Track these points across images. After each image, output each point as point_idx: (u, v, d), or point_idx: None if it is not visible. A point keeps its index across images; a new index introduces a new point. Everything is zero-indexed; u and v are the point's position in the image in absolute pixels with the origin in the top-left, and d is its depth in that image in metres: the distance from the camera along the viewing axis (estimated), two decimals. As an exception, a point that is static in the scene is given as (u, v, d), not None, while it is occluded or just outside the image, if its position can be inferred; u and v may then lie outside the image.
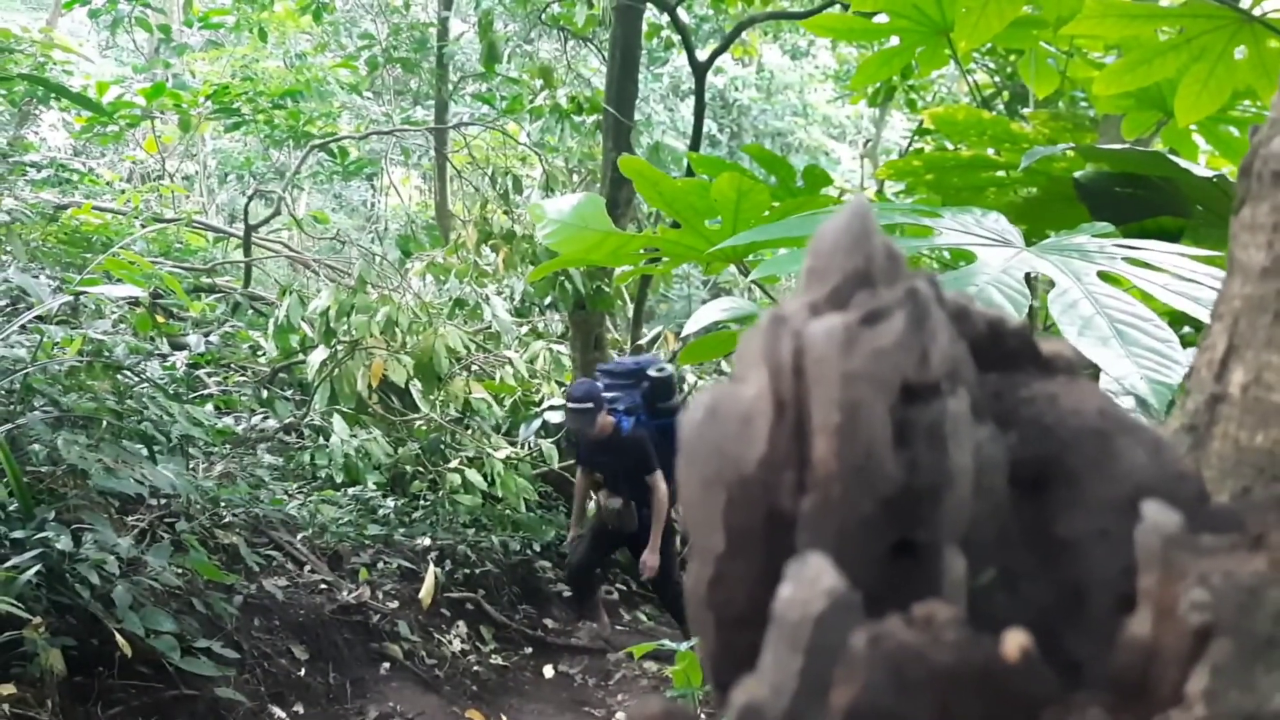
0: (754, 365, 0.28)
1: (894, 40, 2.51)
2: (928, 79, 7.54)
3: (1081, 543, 0.27)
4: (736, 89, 15.62)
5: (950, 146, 2.43)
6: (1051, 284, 1.21)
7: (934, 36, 2.37)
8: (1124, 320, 1.13)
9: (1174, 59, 1.90)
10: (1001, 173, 2.10)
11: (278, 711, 3.94)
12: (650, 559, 5.37)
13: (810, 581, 0.24)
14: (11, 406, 3.85)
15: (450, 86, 10.53)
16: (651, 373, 5.55)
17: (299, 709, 4.06)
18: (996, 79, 5.71)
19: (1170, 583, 0.24)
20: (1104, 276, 1.22)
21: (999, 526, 0.27)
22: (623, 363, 5.92)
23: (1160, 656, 0.24)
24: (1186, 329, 1.44)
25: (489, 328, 6.95)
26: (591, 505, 5.86)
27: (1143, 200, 1.79)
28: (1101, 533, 0.27)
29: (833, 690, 0.23)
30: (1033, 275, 1.35)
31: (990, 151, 2.14)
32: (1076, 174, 1.88)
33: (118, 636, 3.29)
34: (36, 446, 3.70)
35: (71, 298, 4.50)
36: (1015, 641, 0.24)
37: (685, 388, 6.62)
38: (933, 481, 0.26)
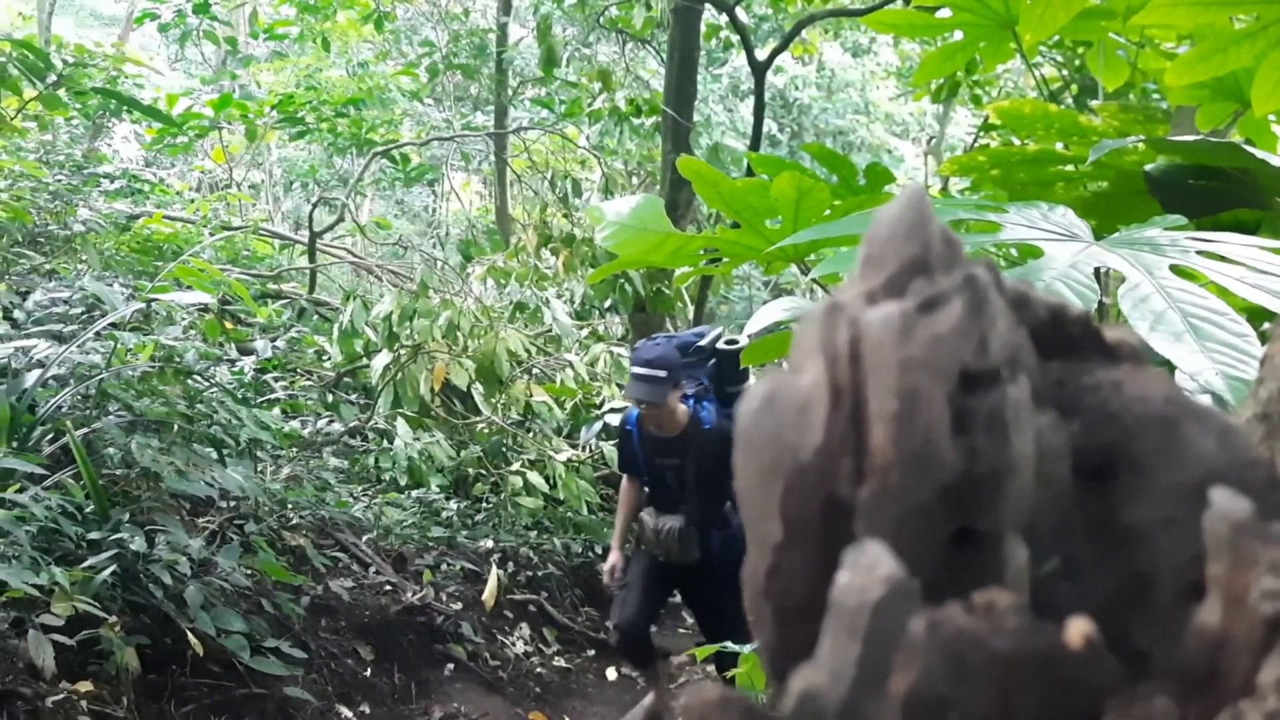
0: (810, 354, 0.28)
1: (957, 35, 2.47)
2: (993, 74, 7.42)
3: (1148, 530, 0.26)
4: (797, 88, 15.52)
5: (1016, 142, 2.39)
6: (1123, 279, 1.18)
7: (998, 30, 2.32)
8: (1198, 315, 1.10)
9: (1249, 47, 1.84)
10: (1070, 167, 2.05)
11: (344, 711, 4.00)
12: None
13: (868, 568, 0.24)
14: (88, 411, 3.96)
15: (509, 91, 10.62)
16: (721, 345, 4.14)
17: (365, 709, 4.12)
18: (1064, 72, 5.60)
19: (1240, 570, 0.23)
20: (1177, 270, 1.18)
21: (1062, 515, 0.27)
22: (676, 336, 4.46)
23: (1230, 646, 0.23)
24: (1267, 325, 1.39)
25: (549, 331, 6.98)
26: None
27: (1217, 192, 1.74)
28: (1169, 520, 0.26)
29: (891, 677, 0.23)
30: (1103, 270, 1.32)
31: (1059, 146, 2.09)
32: (1147, 167, 1.83)
33: (190, 635, 3.36)
34: (111, 450, 3.80)
35: (144, 305, 4.63)
36: (1078, 629, 0.23)
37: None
38: (993, 469, 0.26)
